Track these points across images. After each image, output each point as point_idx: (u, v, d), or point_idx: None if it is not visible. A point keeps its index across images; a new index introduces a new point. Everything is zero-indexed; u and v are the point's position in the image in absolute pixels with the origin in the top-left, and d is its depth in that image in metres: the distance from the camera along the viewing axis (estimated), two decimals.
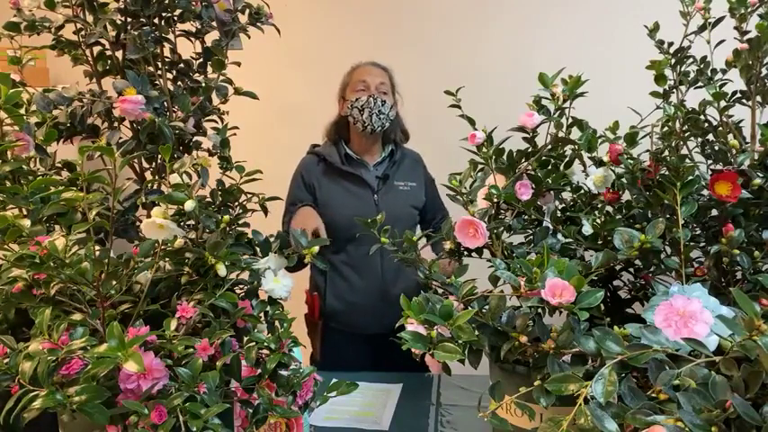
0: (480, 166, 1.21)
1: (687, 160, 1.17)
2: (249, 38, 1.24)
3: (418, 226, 2.05)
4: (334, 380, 1.00)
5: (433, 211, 2.07)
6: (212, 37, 1.22)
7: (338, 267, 1.92)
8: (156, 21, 1.16)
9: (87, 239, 0.81)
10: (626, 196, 1.21)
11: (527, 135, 1.19)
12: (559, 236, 1.16)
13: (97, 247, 0.82)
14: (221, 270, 0.92)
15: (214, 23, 1.21)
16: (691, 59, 1.28)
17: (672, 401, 0.70)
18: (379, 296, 1.88)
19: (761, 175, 1.07)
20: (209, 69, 1.22)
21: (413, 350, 0.85)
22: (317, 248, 1.05)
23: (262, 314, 0.98)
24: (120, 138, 1.13)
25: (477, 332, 0.89)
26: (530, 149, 1.21)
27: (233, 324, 0.91)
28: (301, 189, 1.95)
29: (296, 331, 0.99)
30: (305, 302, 2.01)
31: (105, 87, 1.18)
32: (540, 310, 0.90)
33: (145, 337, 0.75)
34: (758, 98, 1.20)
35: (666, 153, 1.19)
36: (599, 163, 1.22)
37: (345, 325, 1.92)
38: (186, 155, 1.09)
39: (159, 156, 1.12)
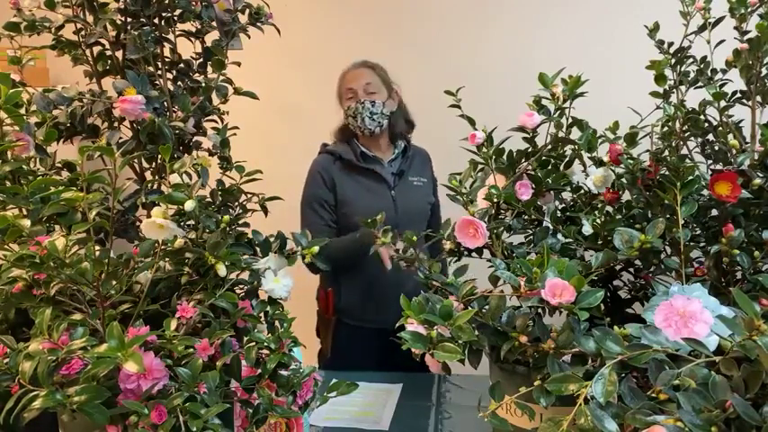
0: (480, 166, 1.21)
1: (687, 160, 1.17)
2: (249, 38, 1.24)
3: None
4: (334, 380, 1.01)
5: (433, 210, 2.09)
6: (212, 37, 1.22)
7: (360, 262, 1.91)
8: (156, 21, 1.16)
9: (87, 239, 0.81)
10: (626, 196, 1.20)
11: (527, 135, 1.19)
12: (559, 236, 1.16)
13: (97, 247, 0.82)
14: (221, 270, 0.92)
15: (214, 23, 1.21)
16: (691, 59, 1.28)
17: (672, 401, 0.70)
18: (393, 290, 1.87)
19: (761, 175, 1.06)
20: (209, 69, 1.22)
21: (413, 350, 0.85)
22: (316, 248, 1.05)
23: (262, 314, 0.98)
24: (120, 138, 1.13)
25: (477, 332, 0.89)
26: (530, 149, 1.21)
27: (233, 324, 0.91)
28: (322, 187, 1.96)
29: (296, 331, 0.99)
30: (316, 299, 2.02)
31: (105, 87, 1.18)
32: (540, 310, 0.90)
33: (145, 337, 0.75)
34: (758, 98, 1.20)
35: (666, 153, 1.19)
36: (599, 163, 1.22)
37: (358, 320, 1.94)
38: (186, 155, 1.09)
39: (159, 156, 1.12)
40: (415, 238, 1.18)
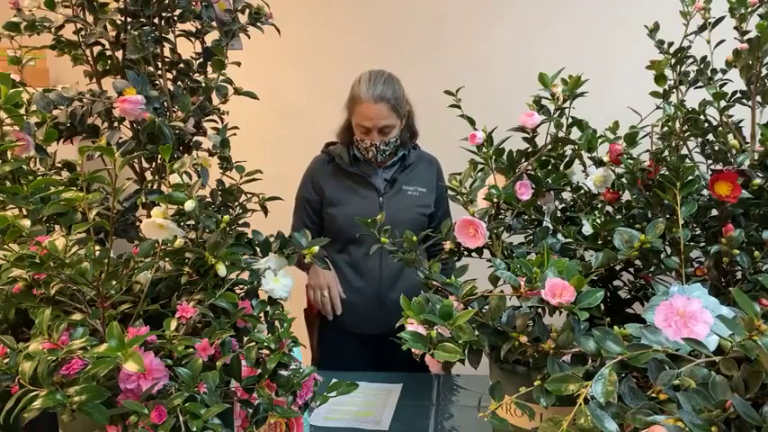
0: (480, 166, 1.21)
1: (687, 160, 1.17)
2: (249, 38, 1.24)
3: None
4: (334, 380, 1.00)
5: (437, 221, 1.96)
6: (212, 37, 1.22)
7: (339, 266, 1.94)
8: (156, 21, 1.16)
9: (87, 239, 0.81)
10: (626, 196, 1.20)
11: (527, 135, 1.19)
12: (559, 236, 1.16)
13: (97, 247, 0.82)
14: (221, 270, 0.92)
15: (214, 23, 1.21)
16: (691, 59, 1.28)
17: (672, 401, 0.70)
18: (376, 299, 1.90)
19: (761, 175, 1.07)
20: (209, 69, 1.22)
21: (413, 350, 0.85)
22: (316, 248, 1.05)
23: (262, 314, 0.98)
24: (120, 138, 1.13)
25: (477, 332, 0.89)
26: (530, 149, 1.21)
27: (233, 324, 0.91)
28: (308, 188, 1.99)
29: (296, 331, 0.99)
30: (306, 295, 2.03)
31: (105, 87, 1.18)
32: (540, 310, 0.90)
33: (145, 337, 0.75)
34: (758, 98, 1.20)
35: (666, 153, 1.19)
36: (599, 163, 1.22)
37: (341, 323, 1.94)
38: (186, 155, 1.09)
39: (159, 156, 1.12)
40: (414, 238, 1.18)
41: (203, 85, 1.20)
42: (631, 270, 1.17)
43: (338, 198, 1.93)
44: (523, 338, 0.90)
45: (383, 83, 1.84)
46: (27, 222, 0.79)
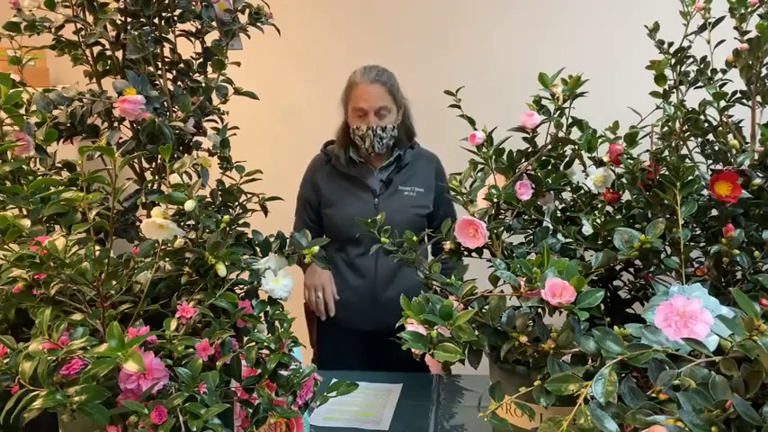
0: (480, 166, 1.21)
1: (687, 160, 1.17)
2: (249, 38, 1.24)
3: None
4: (334, 380, 1.00)
5: (438, 221, 1.95)
6: (212, 37, 1.22)
7: (338, 264, 1.97)
8: (156, 21, 1.16)
9: (87, 239, 0.81)
10: (626, 196, 1.20)
11: (527, 135, 1.19)
12: (559, 236, 1.16)
13: (97, 247, 0.82)
14: (221, 270, 0.92)
15: (214, 23, 1.21)
16: (691, 59, 1.28)
17: (672, 401, 0.70)
18: (371, 296, 1.93)
19: (761, 175, 1.06)
20: (209, 69, 1.22)
21: (413, 350, 0.85)
22: (316, 248, 1.05)
23: (262, 314, 0.98)
24: (120, 138, 1.13)
25: (477, 332, 0.89)
26: (530, 149, 1.21)
27: (233, 324, 0.91)
28: (308, 189, 2.02)
29: (296, 331, 0.99)
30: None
31: (105, 87, 1.18)
32: (540, 310, 0.90)
33: (145, 337, 0.75)
34: (758, 98, 1.20)
35: (666, 153, 1.19)
36: (599, 163, 1.22)
37: (338, 319, 1.96)
38: (186, 155, 1.09)
39: (159, 156, 1.12)
40: (414, 239, 1.18)
41: (203, 85, 1.20)
42: (631, 270, 1.17)
43: (334, 199, 1.95)
44: (523, 338, 0.90)
45: (378, 70, 1.91)
46: (27, 222, 0.79)
